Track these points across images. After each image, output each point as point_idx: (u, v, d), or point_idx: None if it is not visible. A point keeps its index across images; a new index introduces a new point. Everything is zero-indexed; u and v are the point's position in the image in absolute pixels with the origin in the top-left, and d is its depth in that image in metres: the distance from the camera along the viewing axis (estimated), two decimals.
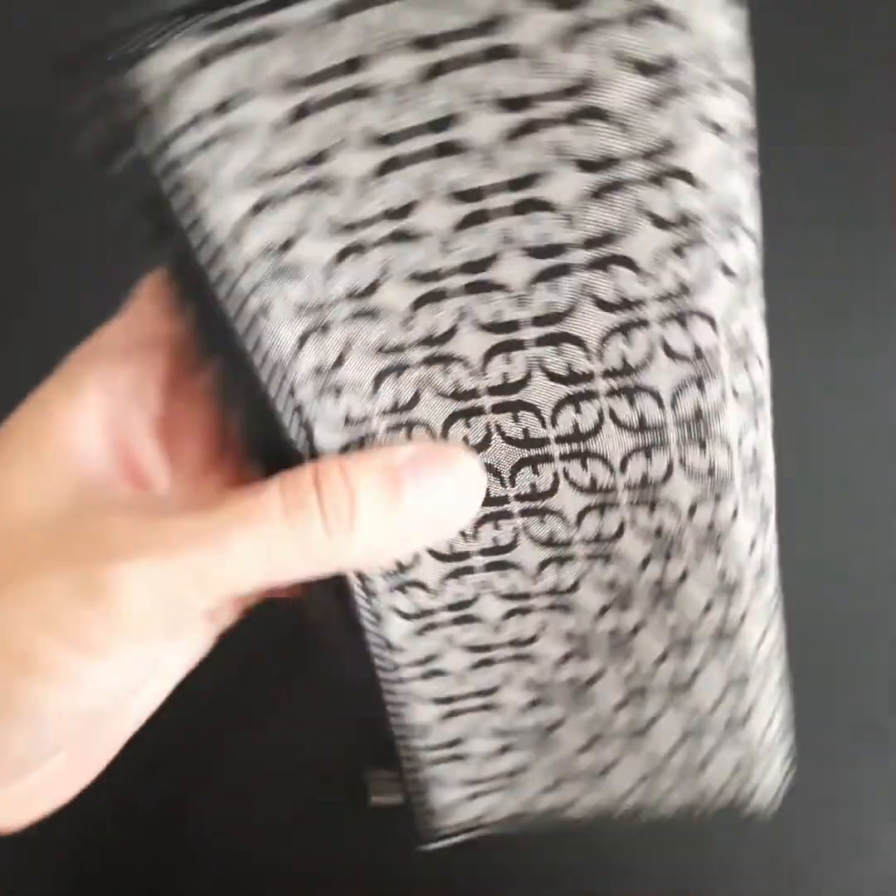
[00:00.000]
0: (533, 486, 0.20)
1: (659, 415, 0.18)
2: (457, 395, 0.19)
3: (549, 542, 0.21)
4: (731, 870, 0.39)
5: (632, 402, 0.18)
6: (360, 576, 0.20)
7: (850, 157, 0.45)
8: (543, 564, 0.21)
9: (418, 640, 0.22)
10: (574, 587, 0.21)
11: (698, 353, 0.18)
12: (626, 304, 0.17)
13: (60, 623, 0.16)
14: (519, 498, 0.20)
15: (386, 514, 0.18)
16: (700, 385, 0.18)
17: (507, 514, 0.20)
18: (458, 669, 0.22)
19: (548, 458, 0.20)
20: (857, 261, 0.45)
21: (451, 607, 0.21)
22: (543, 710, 0.23)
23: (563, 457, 0.19)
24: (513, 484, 0.20)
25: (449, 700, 0.22)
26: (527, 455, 0.20)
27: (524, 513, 0.20)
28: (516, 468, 0.20)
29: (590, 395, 0.19)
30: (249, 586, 0.18)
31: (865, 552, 0.43)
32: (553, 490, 0.20)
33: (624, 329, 0.18)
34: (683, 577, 0.20)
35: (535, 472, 0.20)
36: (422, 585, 0.21)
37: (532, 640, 0.22)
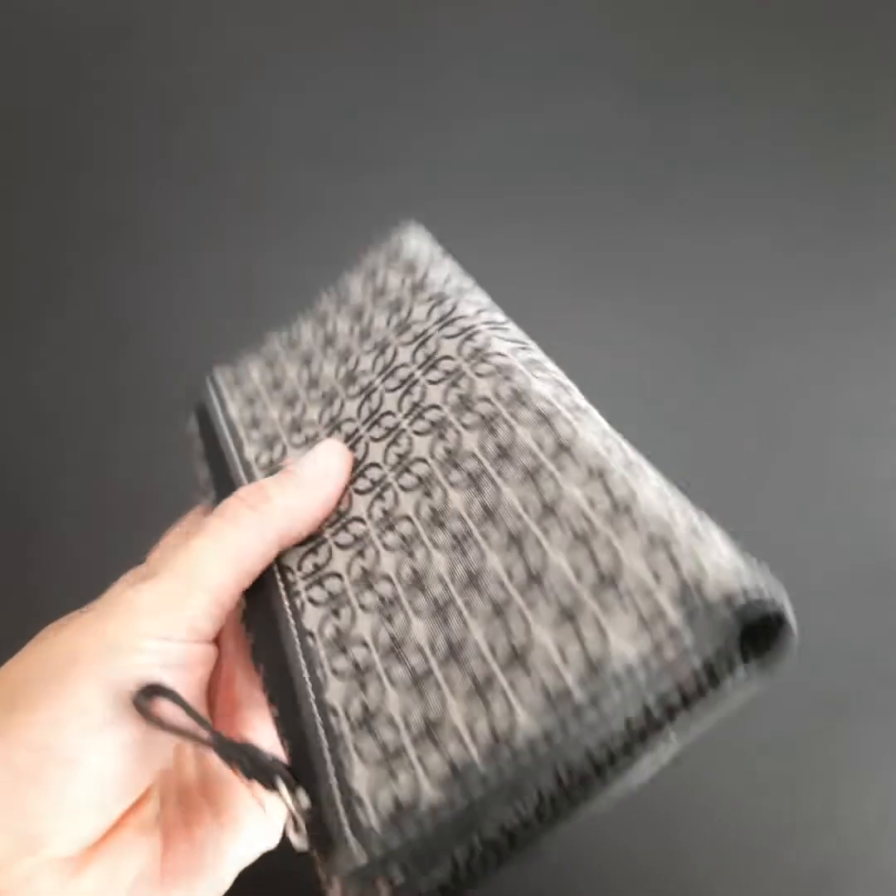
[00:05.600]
0: (399, 456, 0.28)
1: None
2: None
3: (419, 482, 0.26)
4: (701, 849, 0.39)
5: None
6: (285, 580, 0.27)
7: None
8: (419, 501, 0.26)
9: (331, 619, 0.25)
10: (444, 503, 0.25)
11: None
12: None
13: None
14: (392, 468, 0.28)
15: (287, 480, 0.28)
16: None
17: (387, 484, 0.28)
18: (367, 631, 0.24)
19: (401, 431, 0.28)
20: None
21: (356, 581, 0.26)
22: (447, 630, 0.23)
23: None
24: (386, 462, 0.28)
25: (362, 668, 0.24)
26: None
27: (397, 476, 0.27)
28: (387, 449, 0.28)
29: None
30: (222, 580, 0.25)
31: (831, 528, 0.46)
32: (409, 448, 0.27)
33: None
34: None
35: (396, 444, 0.28)
36: (335, 575, 0.27)
37: (426, 567, 0.24)
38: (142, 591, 0.24)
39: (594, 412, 0.26)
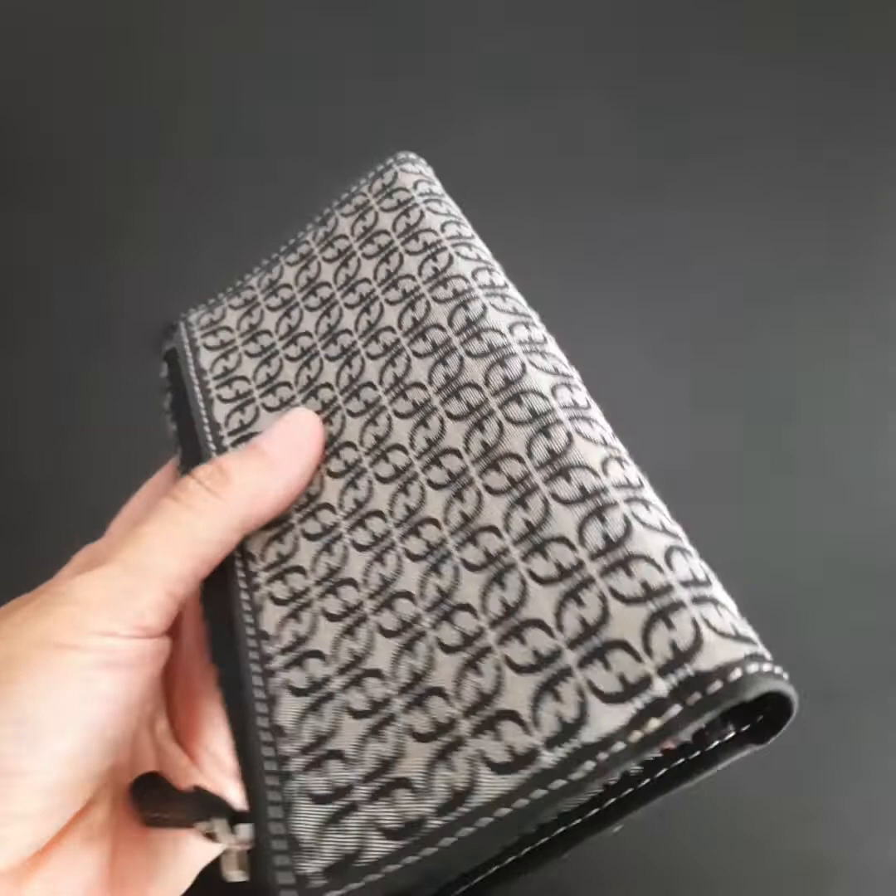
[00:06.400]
0: (377, 438, 0.25)
1: None
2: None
3: (396, 474, 0.24)
4: (697, 839, 0.39)
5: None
6: (246, 570, 0.25)
7: None
8: (394, 496, 0.23)
9: (290, 624, 0.23)
10: (421, 502, 0.23)
11: None
12: None
13: None
14: (368, 452, 0.25)
15: (251, 459, 0.25)
16: None
17: (362, 471, 0.25)
18: (328, 644, 0.22)
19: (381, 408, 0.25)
20: None
21: (321, 580, 0.23)
22: (412, 659, 0.20)
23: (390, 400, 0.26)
24: (362, 443, 0.25)
25: (318, 685, 0.21)
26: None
27: (372, 462, 0.25)
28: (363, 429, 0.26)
29: None
30: (175, 571, 0.23)
31: (829, 519, 0.46)
32: (388, 431, 0.25)
33: None
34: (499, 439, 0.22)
35: (375, 423, 0.25)
36: (299, 569, 0.24)
37: (395, 576, 0.22)
38: (86, 584, 0.22)
39: (596, 411, 0.23)
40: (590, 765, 0.16)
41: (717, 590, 0.18)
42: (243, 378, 0.30)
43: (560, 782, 0.17)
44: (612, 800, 0.19)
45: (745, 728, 0.18)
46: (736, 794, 0.39)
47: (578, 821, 0.19)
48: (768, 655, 0.17)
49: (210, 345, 0.32)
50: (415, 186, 0.30)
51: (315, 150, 0.61)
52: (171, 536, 0.23)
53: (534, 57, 0.63)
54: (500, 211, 0.56)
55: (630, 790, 0.19)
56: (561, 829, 0.19)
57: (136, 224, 0.60)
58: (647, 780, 0.19)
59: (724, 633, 0.17)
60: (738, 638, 0.17)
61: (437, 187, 0.31)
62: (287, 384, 0.29)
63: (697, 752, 0.19)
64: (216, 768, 0.27)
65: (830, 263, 0.54)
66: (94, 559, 0.25)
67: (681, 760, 0.19)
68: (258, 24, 0.68)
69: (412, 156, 0.32)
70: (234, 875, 0.20)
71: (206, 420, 0.29)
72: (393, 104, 0.62)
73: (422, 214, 0.29)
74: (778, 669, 0.17)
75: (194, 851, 0.25)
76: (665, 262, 0.55)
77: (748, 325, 0.52)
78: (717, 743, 0.19)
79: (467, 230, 0.29)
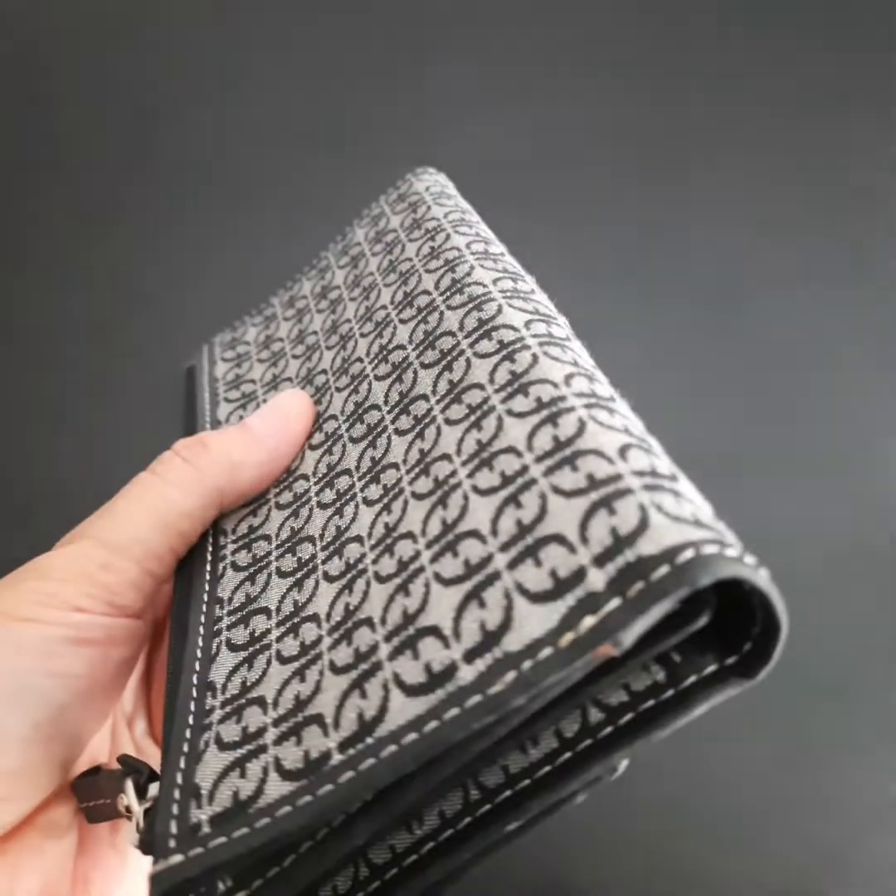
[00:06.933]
0: (356, 404, 0.24)
1: None
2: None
3: (369, 431, 0.23)
4: (697, 832, 0.39)
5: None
6: (215, 544, 0.23)
7: None
8: (363, 451, 0.22)
9: (245, 586, 0.22)
10: (387, 450, 0.22)
11: None
12: None
13: None
14: (347, 419, 0.24)
15: (234, 432, 0.24)
16: None
17: (339, 436, 0.24)
18: (275, 599, 0.21)
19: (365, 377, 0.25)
20: None
21: (283, 543, 0.22)
22: (348, 597, 0.19)
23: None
24: (343, 412, 0.25)
25: (257, 639, 0.20)
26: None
27: (349, 426, 0.24)
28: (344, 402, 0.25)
29: None
30: (149, 544, 0.21)
31: (827, 508, 0.45)
32: (367, 395, 0.24)
33: None
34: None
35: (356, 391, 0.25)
36: (265, 537, 0.23)
37: (350, 524, 0.21)
38: (57, 556, 0.21)
39: (576, 344, 0.21)
40: (511, 676, 0.14)
41: (684, 485, 0.15)
42: (251, 381, 0.30)
43: (476, 698, 0.14)
44: (568, 754, 0.16)
45: (729, 660, 0.15)
46: (735, 787, 0.39)
47: (527, 782, 0.16)
48: (739, 545, 0.14)
49: (227, 357, 0.33)
50: (426, 189, 0.31)
51: (311, 147, 0.61)
52: (145, 507, 0.22)
53: (533, 55, 0.64)
54: (499, 210, 0.57)
55: (589, 741, 0.16)
56: (507, 793, 0.16)
57: (138, 223, 0.61)
58: (610, 728, 0.16)
59: (679, 518, 0.14)
60: (698, 524, 0.14)
61: (451, 189, 0.31)
62: (288, 379, 0.29)
63: (670, 692, 0.15)
64: None
65: (832, 257, 0.54)
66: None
67: (651, 702, 0.15)
68: (257, 23, 0.69)
69: (431, 169, 0.33)
70: (133, 839, 0.18)
71: (208, 418, 0.29)
72: (392, 103, 0.63)
73: (428, 208, 0.29)
74: (749, 557, 0.14)
75: None
76: (665, 257, 0.55)
77: (748, 319, 0.52)
78: (693, 679, 0.15)
79: (472, 216, 0.28)
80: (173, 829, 0.16)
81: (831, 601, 0.42)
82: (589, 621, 0.13)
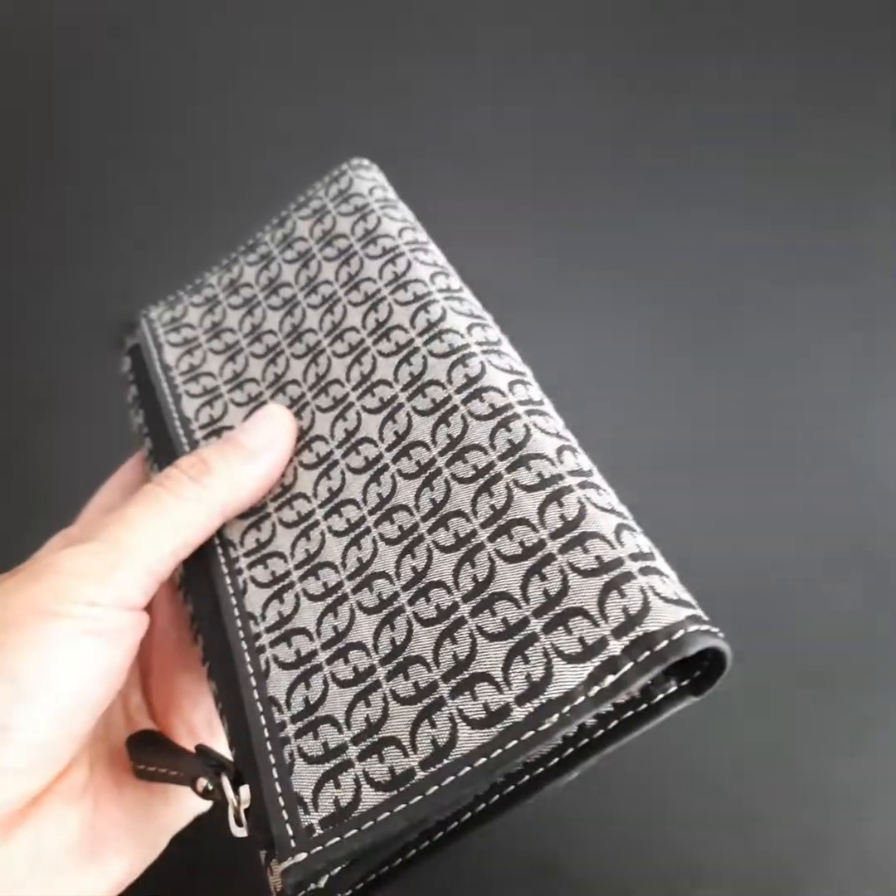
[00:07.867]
0: (347, 432, 0.27)
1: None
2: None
3: (367, 465, 0.26)
4: (689, 818, 0.40)
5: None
6: (227, 556, 0.27)
7: None
8: (367, 485, 0.26)
9: (274, 604, 0.25)
10: (393, 490, 0.25)
11: None
12: None
13: None
14: (339, 445, 0.27)
15: (231, 451, 0.27)
16: None
17: (334, 462, 0.27)
18: (312, 622, 0.24)
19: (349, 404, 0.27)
20: None
21: (301, 564, 0.26)
22: (391, 632, 0.23)
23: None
24: (333, 436, 0.28)
25: (305, 659, 0.24)
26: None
27: (344, 454, 0.27)
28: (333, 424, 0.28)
29: None
30: (158, 551, 0.24)
31: (820, 503, 0.47)
32: (357, 425, 0.27)
33: None
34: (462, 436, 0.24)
35: (344, 418, 0.27)
36: (279, 555, 0.26)
37: (372, 558, 0.24)
38: (74, 555, 0.24)
39: (549, 406, 0.25)
40: (555, 717, 0.19)
41: (660, 562, 0.21)
42: (209, 374, 0.32)
43: (529, 733, 0.19)
44: (571, 749, 0.22)
45: (685, 682, 0.21)
46: (730, 774, 0.40)
47: (541, 770, 0.22)
48: (705, 617, 0.20)
49: (173, 341, 0.34)
50: (370, 192, 0.32)
51: (309, 147, 0.59)
52: (155, 518, 0.25)
53: (532, 53, 0.64)
54: (499, 208, 0.57)
55: (586, 740, 0.21)
56: (527, 778, 0.22)
57: (121, 219, 0.60)
58: (601, 731, 0.21)
59: (669, 599, 0.20)
60: (680, 602, 0.20)
61: (392, 193, 0.33)
62: (254, 380, 0.31)
63: (644, 705, 0.21)
64: (190, 739, 0.29)
65: (819, 249, 0.55)
66: (68, 544, 0.27)
67: (630, 712, 0.21)
68: (255, 22, 0.68)
69: (366, 162, 0.34)
70: (237, 831, 0.22)
71: (175, 415, 0.31)
72: (389, 100, 0.63)
73: (379, 220, 0.31)
74: (715, 629, 0.20)
75: (168, 814, 0.27)
76: (661, 255, 0.55)
77: (743, 317, 0.53)
78: (661, 696, 0.21)
79: (423, 235, 0.31)
80: (290, 831, 0.21)
81: (822, 591, 0.44)
82: (610, 679, 0.19)
